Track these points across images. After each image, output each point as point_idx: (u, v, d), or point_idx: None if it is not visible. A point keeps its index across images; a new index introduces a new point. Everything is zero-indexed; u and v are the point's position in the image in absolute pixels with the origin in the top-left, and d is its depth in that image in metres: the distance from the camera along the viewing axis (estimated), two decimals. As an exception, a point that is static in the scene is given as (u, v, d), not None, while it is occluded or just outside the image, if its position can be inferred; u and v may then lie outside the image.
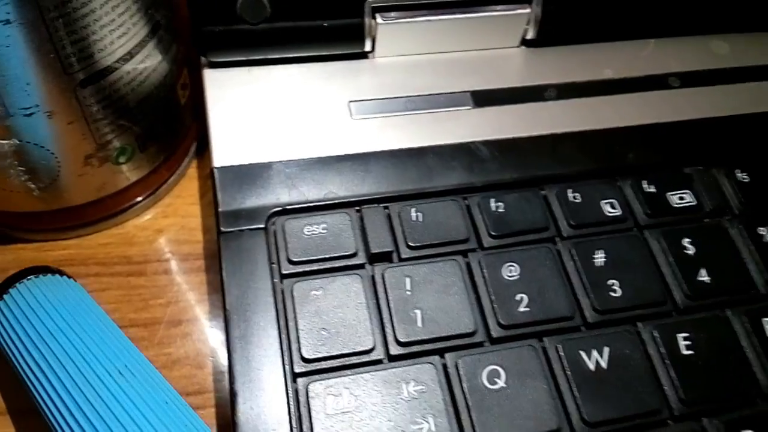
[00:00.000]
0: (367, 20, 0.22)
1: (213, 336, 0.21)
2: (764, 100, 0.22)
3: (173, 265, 0.23)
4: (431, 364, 0.17)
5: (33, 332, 0.17)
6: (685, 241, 0.19)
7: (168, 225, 0.24)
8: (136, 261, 0.23)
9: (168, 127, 0.22)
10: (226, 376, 0.21)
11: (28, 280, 0.18)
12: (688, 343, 0.18)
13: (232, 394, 0.17)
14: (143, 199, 0.23)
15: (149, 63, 0.19)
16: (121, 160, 0.21)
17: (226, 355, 0.21)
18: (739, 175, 0.21)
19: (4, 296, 0.18)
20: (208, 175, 0.25)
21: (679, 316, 0.18)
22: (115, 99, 0.19)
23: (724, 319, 0.18)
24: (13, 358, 0.17)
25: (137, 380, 0.16)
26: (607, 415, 0.17)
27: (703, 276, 0.19)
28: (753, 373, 0.17)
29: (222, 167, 0.20)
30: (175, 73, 0.21)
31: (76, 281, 0.19)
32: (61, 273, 0.19)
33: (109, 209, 0.22)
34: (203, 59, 0.22)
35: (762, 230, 0.20)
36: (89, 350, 0.16)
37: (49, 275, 0.18)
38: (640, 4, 0.23)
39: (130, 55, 0.18)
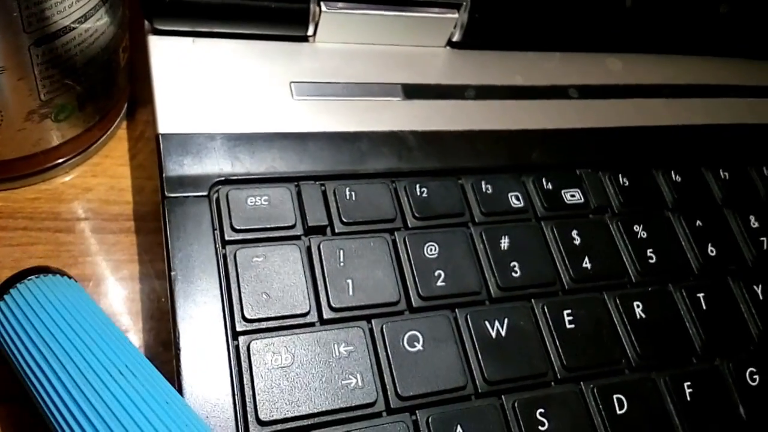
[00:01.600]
0: (312, 6, 0.23)
1: (143, 295, 0.22)
2: (647, 115, 0.26)
3: (102, 224, 0.23)
4: (360, 328, 0.19)
5: (34, 332, 0.17)
6: (573, 233, 0.23)
7: (96, 184, 0.24)
8: (65, 218, 0.23)
9: (106, 89, 0.22)
10: (153, 333, 0.22)
11: (29, 280, 0.18)
12: (571, 318, 0.21)
13: (176, 348, 0.18)
14: (73, 157, 0.23)
15: (99, 25, 0.20)
16: (61, 117, 0.21)
17: (153, 314, 0.22)
18: (621, 179, 0.25)
19: (5, 296, 0.18)
20: (138, 137, 0.25)
21: (565, 295, 0.22)
22: (64, 59, 0.19)
23: (601, 301, 0.22)
24: (14, 359, 0.17)
25: (137, 380, 0.16)
26: (504, 376, 0.20)
27: (586, 263, 0.22)
28: (623, 346, 0.21)
29: (167, 134, 0.21)
30: (120, 36, 0.21)
31: (76, 281, 0.19)
32: (62, 273, 0.19)
33: (40, 164, 0.22)
34: (147, 25, 0.22)
35: (636, 227, 0.24)
36: (90, 350, 0.16)
37: (50, 275, 0.18)
38: (549, 22, 0.26)
39: (84, 18, 0.19)
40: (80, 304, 0.18)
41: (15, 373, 0.17)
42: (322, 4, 0.23)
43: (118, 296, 0.22)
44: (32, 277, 0.18)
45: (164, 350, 0.21)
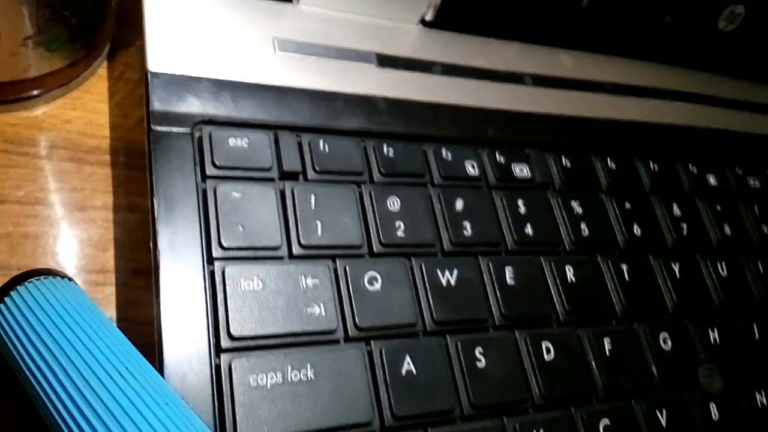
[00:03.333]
0: (298, -29, 0.25)
1: (115, 224, 0.23)
2: (591, 108, 0.29)
3: (79, 155, 0.24)
4: (325, 265, 0.21)
5: (35, 335, 0.17)
6: (519, 202, 0.25)
7: (75, 117, 0.25)
8: (44, 146, 0.24)
9: (96, 26, 0.23)
10: (123, 261, 0.23)
11: (29, 282, 0.18)
12: (511, 275, 0.24)
13: (156, 271, 0.19)
14: (57, 88, 0.24)
15: (102, -37, 0.21)
16: (53, 47, 0.22)
17: (124, 243, 0.23)
18: (564, 160, 0.27)
19: (6, 299, 0.18)
20: (117, 78, 0.26)
21: (508, 255, 0.24)
22: (66, -12, 0.20)
23: (538, 263, 0.24)
24: (15, 361, 0.17)
25: (137, 382, 0.16)
26: (450, 318, 0.22)
27: (529, 229, 0.25)
28: (554, 303, 0.24)
29: (155, 72, 0.22)
30: (119, -24, 0.22)
31: (77, 284, 0.19)
32: (63, 275, 0.19)
33: (26, 90, 0.23)
34: (143, -31, 0.23)
35: (574, 204, 0.26)
36: (90, 352, 0.16)
37: (50, 278, 0.18)
38: (512, 14, 0.28)
39: (90, -48, 0.20)
40: (81, 307, 0.18)
41: (16, 375, 0.17)
42: (310, -31, 0.25)
43: (91, 224, 0.23)
44: (33, 279, 0.18)
45: (132, 277, 0.23)
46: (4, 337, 0.17)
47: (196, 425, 0.16)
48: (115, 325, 0.18)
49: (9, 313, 0.17)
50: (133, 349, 0.18)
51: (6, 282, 0.18)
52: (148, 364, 0.17)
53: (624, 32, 0.31)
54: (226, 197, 0.21)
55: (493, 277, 0.23)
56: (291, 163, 0.22)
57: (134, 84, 0.26)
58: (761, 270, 0.29)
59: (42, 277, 0.18)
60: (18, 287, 0.18)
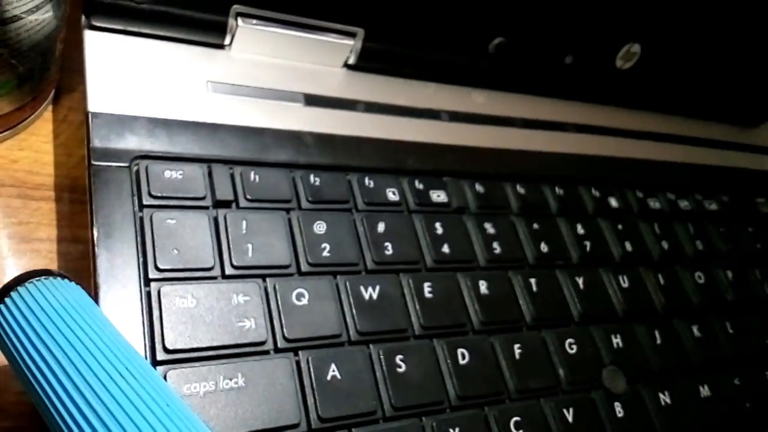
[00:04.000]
0: (230, 20, 0.27)
1: (59, 255, 0.25)
2: (501, 140, 0.32)
3: (26, 191, 0.26)
4: (256, 283, 0.23)
5: (35, 335, 0.17)
6: (437, 224, 0.28)
7: (22, 157, 0.26)
8: (-10, 183, 0.25)
9: (42, 73, 0.25)
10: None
11: (29, 283, 0.18)
12: (430, 289, 0.26)
13: (96, 292, 0.21)
14: (4, 131, 0.26)
15: (46, 17, 0.23)
16: (2, 92, 0.24)
17: (68, 271, 0.25)
18: (477, 187, 0.30)
19: (6, 300, 0.18)
20: (61, 120, 0.28)
21: (427, 272, 0.27)
22: (13, 42, 0.22)
23: (455, 278, 0.27)
24: (16, 361, 0.17)
25: (138, 383, 0.16)
26: (372, 329, 0.24)
27: (446, 249, 0.27)
28: (469, 314, 0.26)
29: (95, 112, 0.24)
30: (61, 28, 0.25)
31: (78, 284, 0.19)
32: (63, 276, 0.19)
33: (-27, 132, 0.24)
34: (84, 21, 0.26)
35: (487, 225, 0.29)
36: (90, 353, 0.16)
37: (51, 278, 0.18)
38: (428, 58, 0.32)
39: (36, 8, 0.22)
40: (82, 307, 0.18)
41: (16, 375, 0.17)
42: (239, 19, 0.27)
43: (36, 255, 0.25)
44: (34, 280, 0.18)
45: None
46: (5, 337, 0.17)
47: (196, 425, 0.16)
48: (115, 326, 0.18)
49: (9, 314, 0.17)
50: (133, 349, 0.17)
51: (6, 283, 0.18)
52: (148, 364, 0.17)
53: (529, 72, 0.34)
54: (161, 224, 0.23)
55: (413, 292, 0.26)
56: (223, 192, 0.24)
57: (77, 125, 0.28)
58: (661, 281, 0.32)
59: (42, 278, 0.18)
60: (18, 288, 0.18)
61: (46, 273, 0.18)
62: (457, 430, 0.23)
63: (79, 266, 0.25)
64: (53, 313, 0.17)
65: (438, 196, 0.29)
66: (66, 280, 0.19)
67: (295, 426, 0.21)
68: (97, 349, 0.17)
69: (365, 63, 0.30)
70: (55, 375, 0.16)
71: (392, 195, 0.28)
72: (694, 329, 0.31)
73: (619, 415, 0.26)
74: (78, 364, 0.16)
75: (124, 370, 0.16)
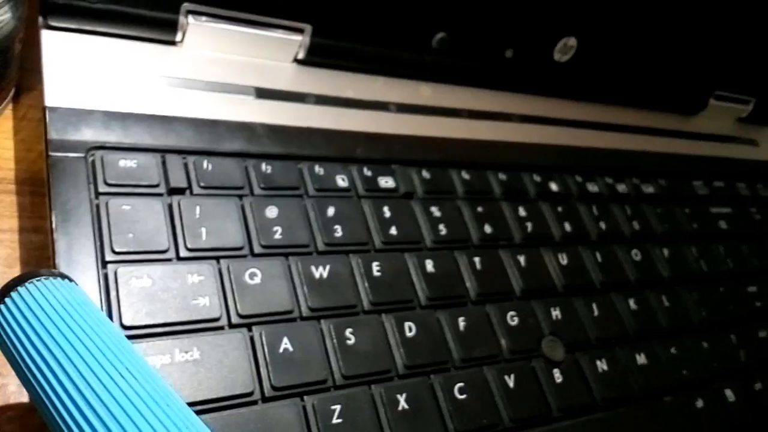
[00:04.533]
0: (181, 18, 0.29)
1: (21, 245, 0.26)
2: (447, 130, 0.34)
3: (-15, 185, 0.27)
4: (210, 264, 0.24)
5: (35, 335, 0.17)
6: (385, 209, 0.29)
7: (-18, 152, 0.27)
8: (-50, 177, 0.26)
9: (2, 72, 0.26)
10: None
11: (30, 283, 0.18)
12: (378, 268, 0.27)
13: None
14: (-38, 127, 0.27)
15: (5, 18, 0.24)
16: (-41, 88, 0.25)
17: (29, 261, 0.26)
18: (424, 173, 0.32)
19: (6, 300, 0.18)
20: (21, 117, 0.29)
21: (375, 253, 0.28)
22: (-29, 37, 0.23)
23: (402, 258, 0.28)
24: (16, 361, 0.17)
25: (138, 383, 0.16)
26: (323, 305, 0.25)
27: (393, 231, 0.29)
28: (416, 290, 0.28)
29: (52, 107, 0.25)
30: (20, 28, 0.26)
31: (77, 284, 0.19)
32: (63, 276, 0.19)
33: (-69, 128, 0.25)
34: (41, 22, 0.27)
35: (433, 209, 0.31)
36: (90, 353, 0.16)
37: (51, 279, 0.18)
38: (375, 52, 0.33)
39: (-8, 7, 0.23)
40: (82, 307, 0.18)
41: (16, 375, 0.17)
42: (189, 16, 0.29)
43: (1, 244, 0.26)
44: (34, 280, 0.18)
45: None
46: (5, 337, 0.17)
47: (196, 425, 0.16)
48: (115, 325, 0.19)
49: (9, 314, 0.17)
50: (133, 349, 0.18)
51: (6, 283, 0.18)
52: (149, 364, 0.17)
53: (472, 66, 0.36)
54: (117, 209, 0.24)
55: (362, 271, 0.27)
56: (177, 180, 0.26)
57: (36, 122, 0.29)
58: (599, 259, 0.34)
59: (42, 278, 0.18)
60: (18, 288, 0.18)
61: (46, 273, 0.19)
62: (404, 395, 0.25)
63: (40, 255, 0.26)
64: (53, 313, 0.17)
65: (386, 182, 0.31)
66: (66, 280, 0.19)
67: (249, 394, 0.22)
68: (97, 349, 0.17)
69: (314, 58, 0.32)
70: (55, 375, 0.16)
71: (342, 181, 0.29)
72: (631, 302, 0.33)
73: (558, 380, 0.28)
74: (78, 364, 0.16)
75: (124, 370, 0.16)
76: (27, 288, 0.18)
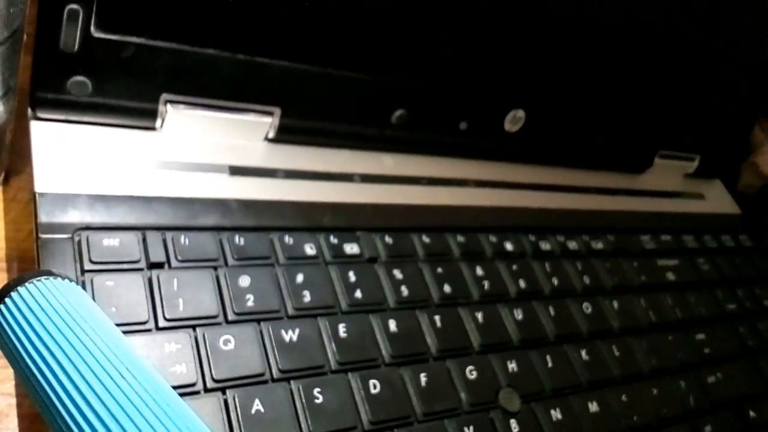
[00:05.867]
0: (160, 107, 0.32)
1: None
2: (409, 197, 0.37)
3: (-23, 264, 0.29)
4: (186, 333, 0.26)
5: (35, 335, 0.17)
6: (350, 273, 0.32)
7: (-27, 234, 0.30)
8: (-56, 258, 0.28)
9: (-9, 158, 0.29)
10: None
11: (30, 283, 0.18)
12: (344, 329, 0.30)
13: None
14: (-44, 211, 0.29)
15: (-3, 110, 0.27)
16: (-45, 176, 0.27)
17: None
18: (387, 239, 0.34)
19: (6, 300, 0.18)
20: (11, 199, 0.31)
21: (342, 315, 0.30)
22: (-33, 132, 0.26)
23: (367, 319, 0.31)
24: (16, 362, 0.17)
25: (138, 383, 0.16)
26: (293, 366, 0.27)
27: (359, 294, 0.31)
28: (380, 349, 0.30)
29: (41, 192, 0.28)
30: (11, 120, 0.28)
31: (78, 284, 0.19)
32: (63, 276, 0.19)
33: (-71, 214, 0.28)
34: (30, 113, 0.29)
35: (396, 271, 0.33)
36: (91, 353, 0.16)
37: (51, 279, 0.18)
38: (340, 130, 0.36)
39: (-12, 104, 0.26)
40: (82, 307, 0.18)
41: (17, 375, 0.18)
42: (167, 105, 0.31)
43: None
44: (34, 280, 0.18)
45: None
46: (5, 337, 0.17)
47: (196, 426, 0.16)
48: (115, 326, 0.19)
49: (9, 314, 0.17)
50: (133, 349, 0.18)
51: (6, 283, 0.18)
52: (149, 364, 0.17)
53: (430, 138, 0.39)
54: (101, 286, 0.26)
55: (329, 332, 0.29)
56: (156, 255, 0.28)
57: (25, 203, 0.31)
58: (552, 313, 0.36)
59: (43, 278, 0.18)
60: (18, 288, 0.18)
61: (46, 273, 0.19)
62: (369, 450, 0.27)
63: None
64: (53, 313, 0.17)
65: (351, 248, 0.33)
66: (66, 280, 0.19)
67: (224, 454, 0.24)
68: (97, 349, 0.17)
69: (283, 136, 0.35)
70: (55, 375, 0.16)
71: (310, 249, 0.32)
72: (583, 353, 0.35)
73: (515, 430, 0.30)
74: (78, 365, 0.16)
75: (125, 370, 0.16)
76: (27, 288, 0.18)
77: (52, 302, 0.18)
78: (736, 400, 0.40)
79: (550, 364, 0.34)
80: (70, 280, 0.19)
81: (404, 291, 0.33)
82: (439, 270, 0.35)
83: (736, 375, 0.41)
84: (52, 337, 0.17)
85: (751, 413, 0.40)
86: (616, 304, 0.39)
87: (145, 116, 0.31)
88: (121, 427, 0.15)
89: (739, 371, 0.42)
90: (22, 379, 0.17)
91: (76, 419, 0.16)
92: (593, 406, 0.33)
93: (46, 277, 0.19)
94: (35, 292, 0.18)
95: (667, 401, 0.36)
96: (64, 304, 0.18)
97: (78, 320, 0.17)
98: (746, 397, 0.41)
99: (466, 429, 0.29)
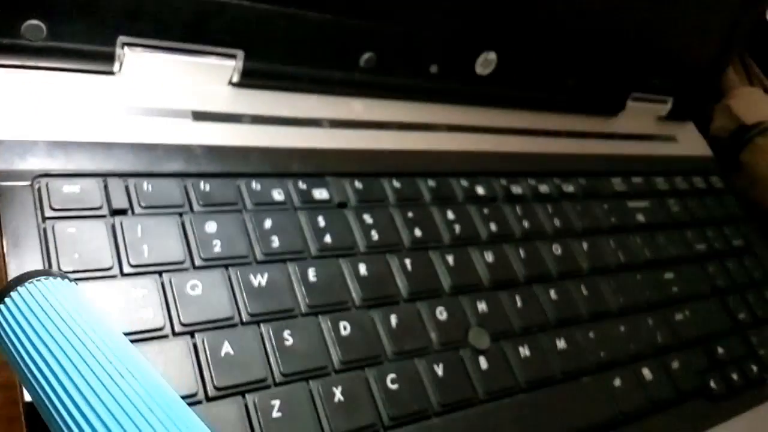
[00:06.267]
0: (117, 50, 0.31)
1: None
2: (379, 142, 0.36)
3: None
4: (153, 278, 0.26)
5: (35, 336, 0.17)
6: (320, 218, 0.32)
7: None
8: None
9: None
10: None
11: (29, 283, 0.18)
12: (314, 274, 0.30)
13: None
14: None
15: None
16: None
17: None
18: (357, 183, 0.34)
19: (6, 300, 0.18)
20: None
21: (312, 260, 0.30)
22: None
23: (337, 263, 0.31)
24: (16, 362, 0.17)
25: (139, 383, 0.16)
26: (262, 310, 0.27)
27: (328, 239, 0.31)
28: (350, 292, 0.30)
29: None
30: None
31: (77, 285, 0.19)
32: (63, 276, 0.19)
33: None
34: (-16, 57, 0.28)
35: (366, 216, 0.33)
36: (90, 353, 0.16)
37: (51, 278, 0.18)
38: (307, 73, 0.36)
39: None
40: (82, 307, 0.18)
41: (17, 375, 0.18)
42: (125, 48, 0.31)
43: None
44: (34, 280, 0.18)
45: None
46: (5, 337, 0.17)
47: (196, 426, 0.16)
48: (115, 325, 0.19)
49: (9, 314, 0.17)
50: (133, 349, 0.18)
51: (6, 283, 0.18)
52: (149, 364, 0.18)
53: (400, 82, 0.39)
54: (63, 233, 0.26)
55: (299, 277, 0.29)
56: (119, 202, 0.27)
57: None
58: (523, 255, 0.36)
59: (42, 278, 0.18)
60: (18, 288, 0.18)
61: (46, 273, 0.19)
62: (339, 388, 0.27)
63: (-10, 279, 0.27)
64: (53, 313, 0.17)
65: (320, 193, 0.33)
66: (66, 280, 0.19)
67: (193, 395, 0.24)
68: (97, 348, 0.17)
69: (248, 80, 0.34)
70: (55, 375, 0.16)
71: (278, 195, 0.32)
72: (552, 293, 0.36)
73: (484, 367, 0.31)
74: (78, 364, 0.16)
75: (125, 370, 0.17)
76: (27, 288, 0.18)
77: (51, 302, 0.18)
78: (703, 338, 0.41)
79: (519, 304, 0.34)
80: (70, 280, 0.19)
81: (374, 235, 0.33)
82: (410, 214, 0.34)
83: (704, 313, 0.42)
84: (52, 337, 0.17)
85: (719, 350, 0.41)
86: (585, 246, 0.39)
87: (103, 60, 0.30)
88: (121, 427, 0.15)
89: (707, 309, 0.43)
90: (23, 379, 0.17)
91: (77, 419, 0.16)
92: (561, 343, 0.34)
93: (45, 277, 0.19)
94: (35, 291, 0.18)
95: (635, 338, 0.37)
96: (63, 303, 0.18)
97: (78, 320, 0.17)
98: (714, 335, 0.42)
99: (435, 367, 0.30)
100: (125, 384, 0.16)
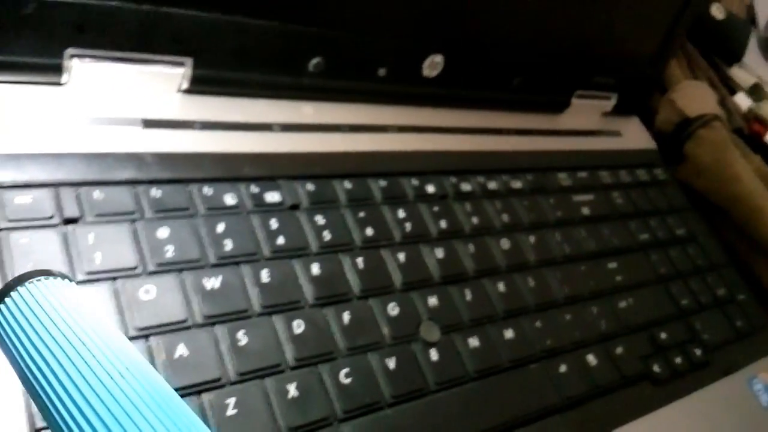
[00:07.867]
0: (65, 62, 0.31)
1: None
2: (329, 145, 0.37)
3: None
4: (106, 286, 0.27)
5: (35, 335, 0.17)
6: (272, 221, 0.33)
7: None
8: None
9: None
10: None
11: (29, 283, 0.18)
12: (267, 274, 0.31)
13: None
14: None
15: None
16: None
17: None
18: (309, 186, 0.35)
19: (6, 299, 0.18)
20: None
21: (265, 261, 0.31)
22: None
23: (290, 264, 0.32)
24: (16, 361, 0.17)
25: (138, 382, 0.16)
26: (216, 312, 0.28)
27: (281, 241, 0.32)
28: (303, 292, 0.31)
29: (-55, 152, 0.27)
30: None
31: (77, 283, 0.19)
32: (63, 276, 0.19)
33: None
34: (-73, 71, 0.29)
35: (318, 217, 0.34)
36: (90, 352, 0.16)
37: (51, 278, 0.18)
38: (256, 78, 0.36)
39: None
40: (81, 307, 0.18)
41: (17, 375, 0.17)
42: (73, 59, 0.31)
43: None
44: (34, 280, 0.18)
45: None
46: (5, 337, 0.17)
47: (196, 426, 0.16)
48: (115, 325, 0.19)
49: (9, 314, 0.17)
50: (133, 349, 0.18)
51: (6, 283, 0.18)
52: (149, 364, 0.17)
53: (349, 85, 0.40)
54: (16, 243, 0.26)
55: (253, 278, 0.30)
56: (70, 211, 0.28)
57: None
58: (471, 250, 0.38)
59: (42, 278, 0.18)
60: (18, 288, 0.18)
61: (45, 273, 0.19)
62: (293, 384, 0.28)
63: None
64: (53, 312, 0.17)
65: (273, 196, 0.34)
66: (66, 280, 0.19)
67: (149, 397, 0.25)
68: (97, 348, 0.17)
69: (198, 87, 0.35)
70: (55, 375, 0.16)
71: (230, 199, 0.32)
72: (500, 286, 0.37)
73: (434, 359, 0.32)
74: (78, 364, 0.16)
75: (124, 370, 0.16)
76: (27, 288, 0.18)
77: (51, 302, 0.18)
78: (647, 324, 0.43)
79: (469, 297, 0.36)
80: (70, 280, 0.19)
81: (327, 236, 0.34)
82: (361, 214, 0.36)
83: (647, 300, 0.44)
84: (52, 336, 0.17)
85: (663, 335, 0.43)
86: (532, 239, 0.41)
87: (51, 72, 0.31)
88: (121, 426, 0.15)
89: (650, 296, 0.45)
90: (23, 379, 0.17)
91: (76, 419, 0.16)
92: (509, 333, 0.35)
93: (45, 276, 0.19)
94: (35, 291, 0.18)
95: (580, 326, 0.39)
96: (63, 303, 0.18)
97: (78, 320, 0.18)
98: (658, 321, 0.44)
99: (387, 360, 0.31)
100: (125, 384, 0.16)
